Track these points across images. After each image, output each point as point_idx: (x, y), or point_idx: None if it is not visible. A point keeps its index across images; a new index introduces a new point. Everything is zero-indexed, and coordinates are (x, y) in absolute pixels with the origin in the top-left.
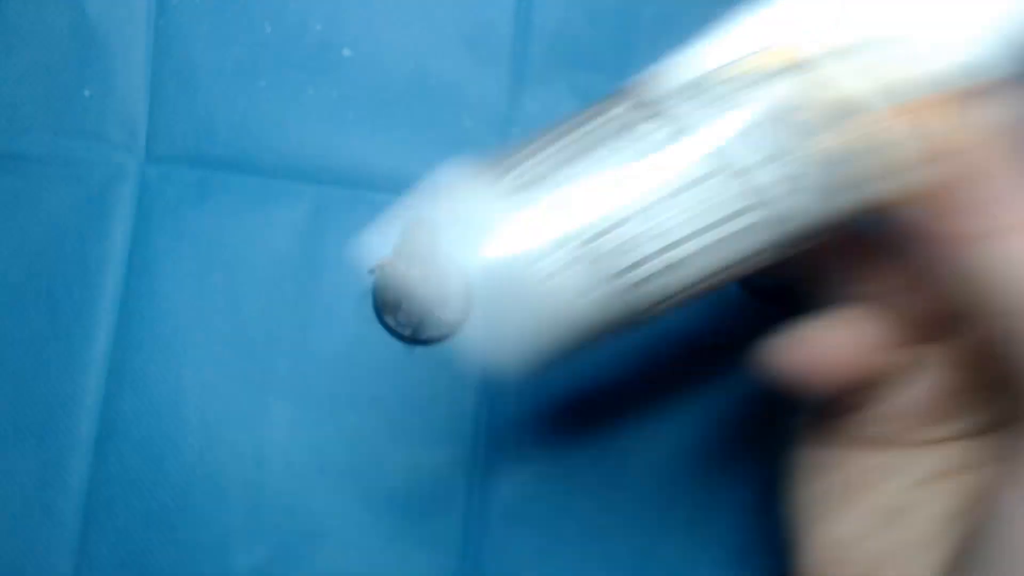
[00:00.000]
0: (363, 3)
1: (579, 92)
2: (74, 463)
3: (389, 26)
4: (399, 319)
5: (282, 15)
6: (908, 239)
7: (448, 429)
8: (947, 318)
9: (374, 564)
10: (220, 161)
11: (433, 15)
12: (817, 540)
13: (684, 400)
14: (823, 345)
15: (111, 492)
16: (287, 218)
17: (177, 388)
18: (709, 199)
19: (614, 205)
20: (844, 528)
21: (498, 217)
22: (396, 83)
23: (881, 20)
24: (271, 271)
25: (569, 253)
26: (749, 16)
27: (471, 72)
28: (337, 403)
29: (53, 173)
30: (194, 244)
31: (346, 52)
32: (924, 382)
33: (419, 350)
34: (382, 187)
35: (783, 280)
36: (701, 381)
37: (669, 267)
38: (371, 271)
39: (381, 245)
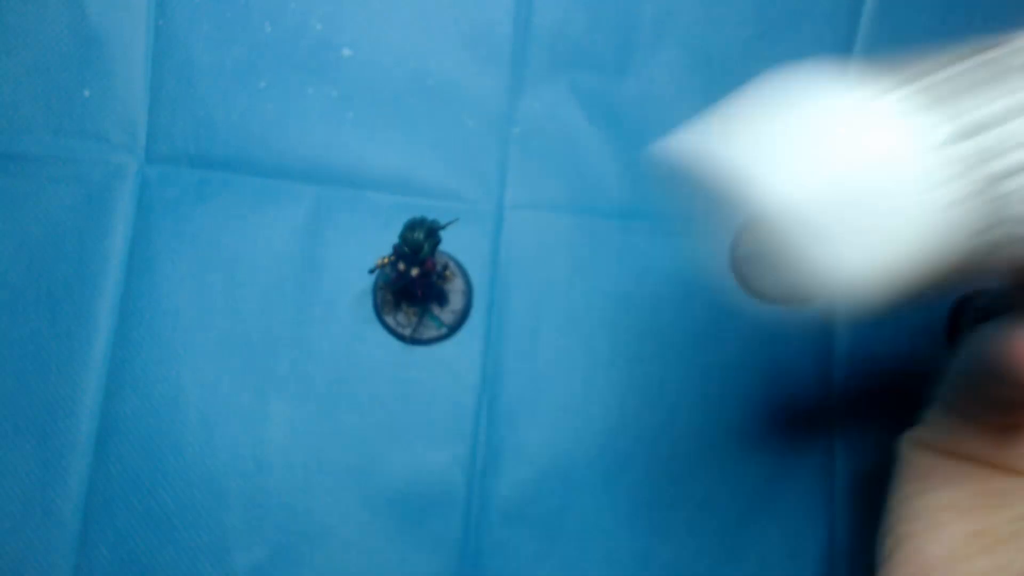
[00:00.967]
0: (363, 3)
1: (579, 92)
2: (74, 463)
3: (389, 26)
4: (399, 319)
5: (282, 15)
6: None
7: (448, 429)
8: None
9: (374, 564)
10: (220, 161)
11: (433, 15)
12: (911, 556)
13: (684, 401)
14: None
15: (111, 492)
16: (287, 218)
17: (177, 388)
18: None
19: None
20: (941, 548)
21: (895, 133)
22: (396, 83)
23: None
24: (271, 271)
25: (974, 186)
26: None
27: (471, 72)
28: (337, 403)
29: (53, 173)
30: (194, 244)
31: (346, 52)
32: None
33: (419, 350)
34: (382, 187)
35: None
36: (701, 381)
37: None
38: (371, 271)
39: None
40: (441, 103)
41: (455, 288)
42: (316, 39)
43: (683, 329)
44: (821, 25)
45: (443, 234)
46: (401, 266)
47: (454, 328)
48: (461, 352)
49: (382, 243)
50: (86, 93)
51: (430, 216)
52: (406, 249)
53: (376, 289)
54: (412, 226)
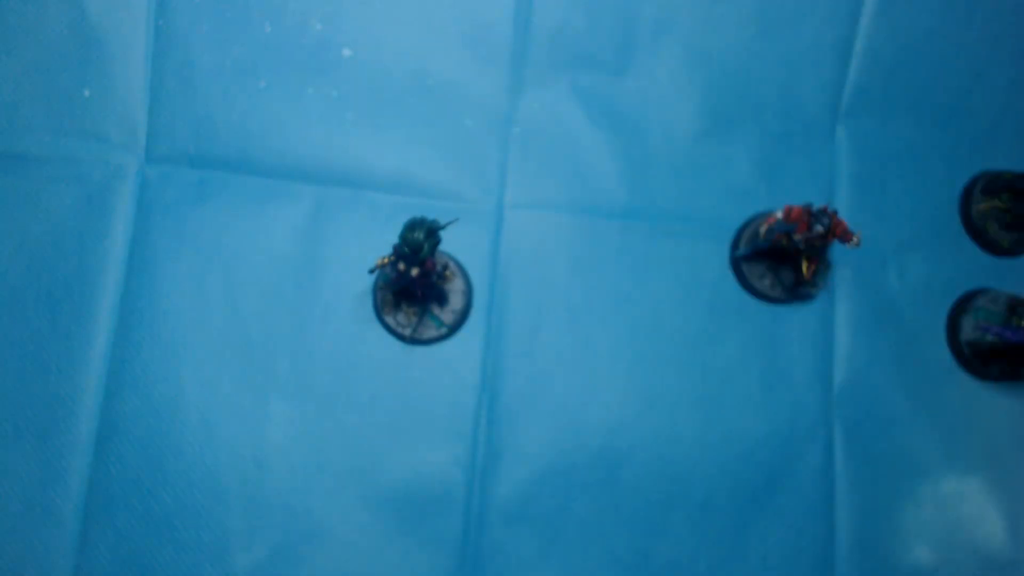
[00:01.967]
0: (363, 3)
1: (579, 92)
2: (74, 463)
3: (389, 26)
4: (399, 319)
5: (282, 15)
6: None
7: (448, 429)
8: None
9: (374, 564)
10: (220, 161)
11: (433, 15)
12: None
13: (684, 401)
14: None
15: (111, 492)
16: (287, 218)
17: (177, 388)
18: None
19: None
20: None
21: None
22: (396, 83)
23: None
24: (271, 271)
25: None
26: None
27: (471, 72)
28: (337, 403)
29: (53, 173)
30: (194, 244)
31: (346, 52)
32: None
33: (419, 350)
34: (382, 187)
35: None
36: (701, 381)
37: None
38: (371, 271)
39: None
40: (441, 103)
41: (455, 288)
42: (316, 39)
43: (683, 329)
44: (821, 25)
45: (443, 234)
46: (401, 266)
47: (454, 328)
48: (461, 352)
49: (382, 243)
50: (86, 93)
51: (430, 216)
52: (406, 249)
53: (376, 289)
54: (412, 226)
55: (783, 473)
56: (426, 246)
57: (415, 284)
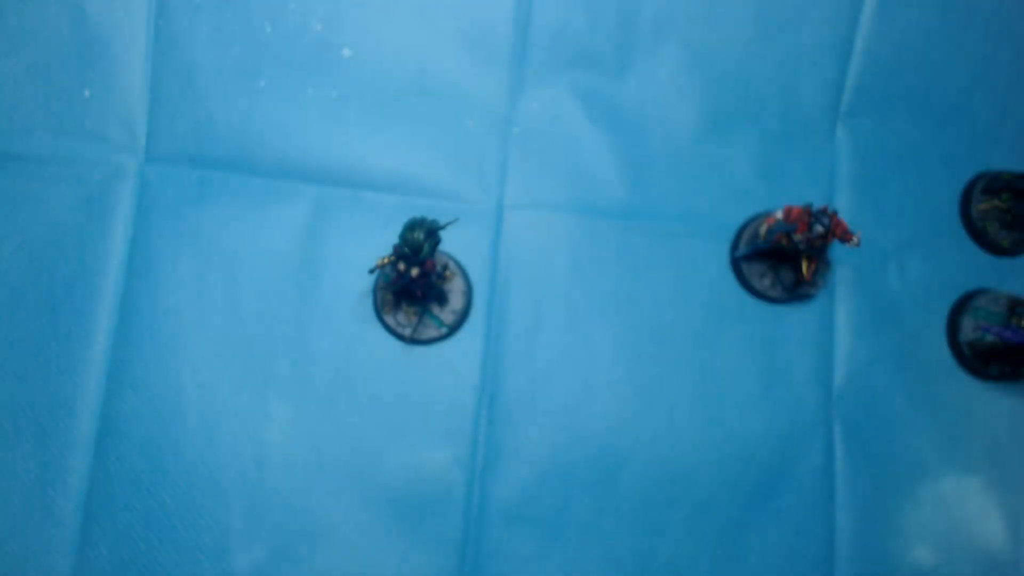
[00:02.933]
0: (363, 3)
1: (579, 92)
2: (74, 463)
3: (389, 26)
4: (399, 319)
5: (282, 15)
6: None
7: (448, 429)
8: None
9: (374, 564)
10: (220, 161)
11: (433, 15)
12: None
13: (684, 401)
14: None
15: (111, 492)
16: (287, 218)
17: (177, 388)
18: None
19: None
20: None
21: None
22: (396, 83)
23: None
24: (271, 271)
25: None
26: None
27: (471, 72)
28: (337, 403)
29: (53, 173)
30: (194, 244)
31: (346, 52)
32: None
33: (419, 350)
34: (382, 187)
35: None
36: (701, 381)
37: None
38: (371, 271)
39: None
40: (441, 103)
41: (455, 288)
42: (316, 39)
43: (683, 329)
44: (821, 25)
45: (443, 234)
46: (401, 266)
47: (454, 328)
48: (461, 352)
49: (382, 243)
50: (86, 93)
51: (430, 216)
52: (406, 249)
53: (376, 289)
54: (412, 226)
55: (783, 473)
56: (426, 246)
57: (415, 284)
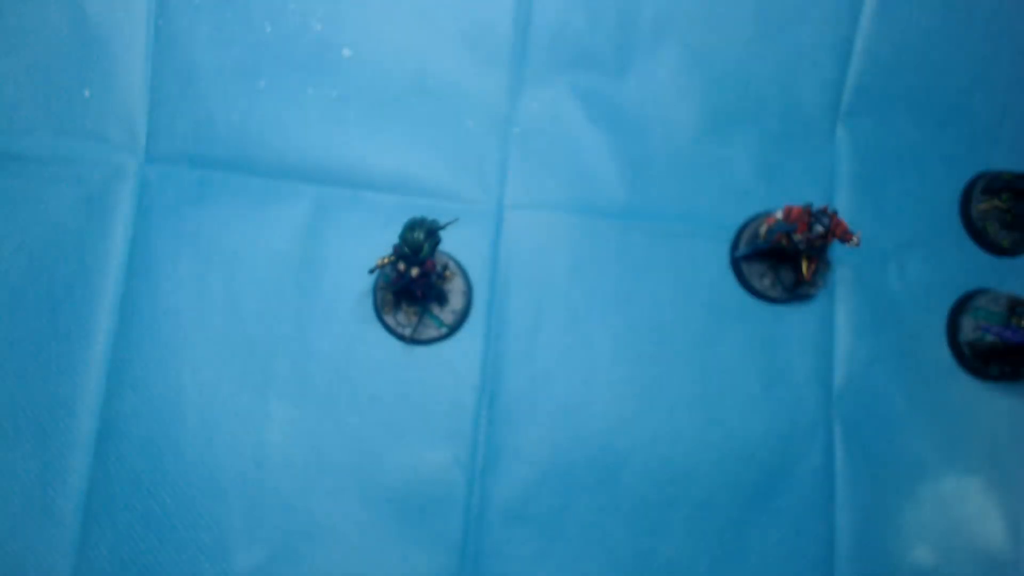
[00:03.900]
0: (363, 3)
1: (579, 92)
2: (74, 463)
3: (389, 26)
4: (399, 319)
5: (282, 15)
6: None
7: (448, 429)
8: None
9: (374, 564)
10: (220, 161)
11: (433, 15)
12: None
13: (684, 401)
14: None
15: (111, 492)
16: (287, 218)
17: (177, 388)
18: None
19: None
20: None
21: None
22: (396, 83)
23: None
24: (271, 271)
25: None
26: None
27: (471, 72)
28: (337, 403)
29: (53, 173)
30: (194, 244)
31: (346, 52)
32: None
33: (419, 350)
34: (382, 187)
35: None
36: (701, 381)
37: None
38: (371, 271)
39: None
40: (441, 103)
41: (455, 288)
42: (316, 39)
43: (683, 329)
44: (821, 25)
45: (443, 234)
46: (401, 266)
47: (454, 328)
48: (461, 352)
49: (382, 243)
50: (86, 93)
51: (430, 216)
52: (406, 249)
53: (376, 289)
54: (412, 226)
55: (783, 473)
56: (426, 246)
57: (415, 284)
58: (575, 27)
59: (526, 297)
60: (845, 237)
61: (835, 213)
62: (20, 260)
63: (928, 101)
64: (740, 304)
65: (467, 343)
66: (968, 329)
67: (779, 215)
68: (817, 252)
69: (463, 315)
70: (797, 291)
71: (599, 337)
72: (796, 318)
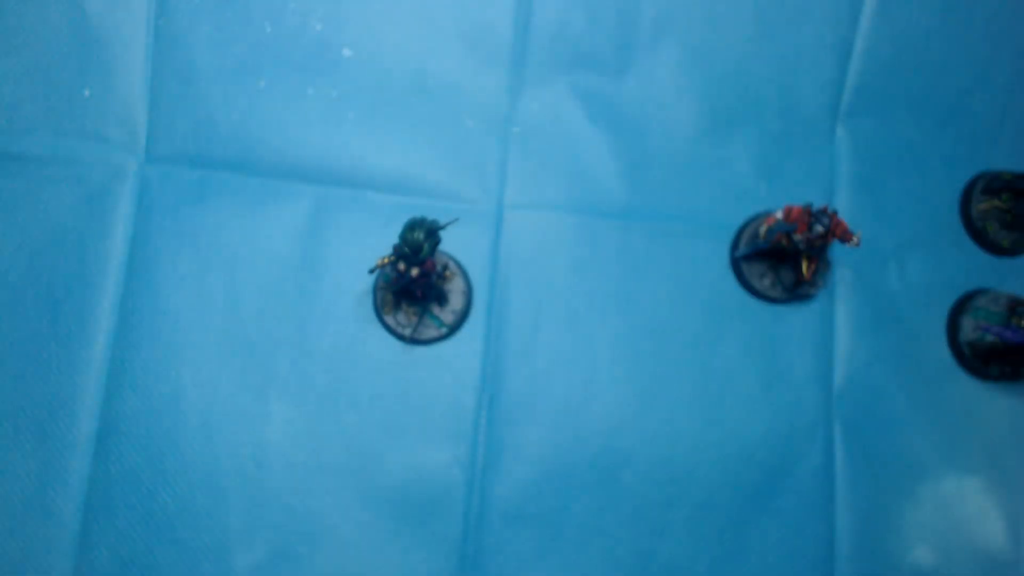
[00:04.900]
0: (363, 3)
1: (579, 92)
2: (74, 463)
3: (389, 26)
4: (399, 319)
5: (282, 15)
6: None
7: (448, 429)
8: None
9: (374, 564)
10: (220, 161)
11: (433, 15)
12: None
13: (684, 401)
14: None
15: (111, 492)
16: (287, 218)
17: (177, 388)
18: None
19: None
20: None
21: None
22: (396, 83)
23: None
24: (271, 271)
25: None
26: None
27: (471, 72)
28: (337, 403)
29: (53, 173)
30: (194, 244)
31: (346, 52)
32: None
33: (419, 350)
34: (382, 187)
35: None
36: (701, 381)
37: None
38: (371, 271)
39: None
40: (441, 103)
41: (455, 288)
42: (316, 39)
43: (683, 329)
44: (821, 25)
45: (443, 234)
46: (401, 266)
47: (454, 328)
48: (461, 352)
49: (382, 243)
50: (86, 93)
51: (430, 216)
52: (406, 249)
53: (376, 289)
54: (412, 226)
55: (783, 473)
56: (426, 246)
57: (415, 284)
58: (575, 27)
59: (526, 297)
60: (845, 237)
61: (835, 213)
62: (20, 260)
63: (928, 101)
64: (740, 304)
65: (467, 343)
66: (968, 329)
67: (779, 215)
68: (817, 252)
69: (463, 315)
70: (797, 291)
71: (599, 337)
72: (796, 318)
